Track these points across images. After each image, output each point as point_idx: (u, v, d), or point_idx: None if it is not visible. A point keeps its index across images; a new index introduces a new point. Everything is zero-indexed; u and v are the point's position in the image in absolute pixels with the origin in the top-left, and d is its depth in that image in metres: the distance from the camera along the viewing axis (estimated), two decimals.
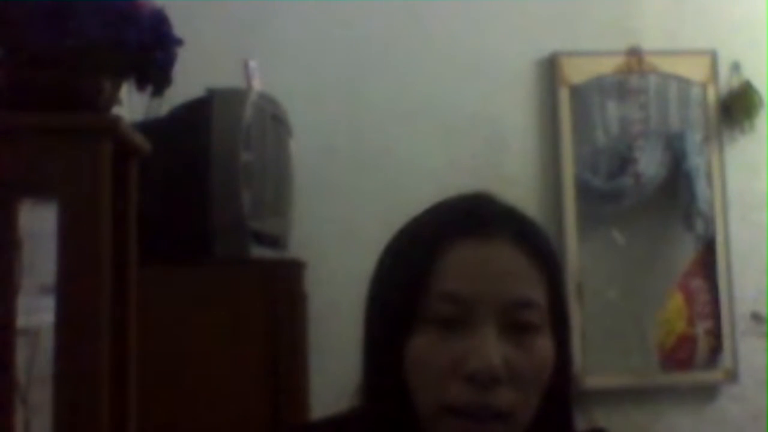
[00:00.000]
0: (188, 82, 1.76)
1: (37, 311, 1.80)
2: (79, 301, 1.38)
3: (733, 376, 3.35)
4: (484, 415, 0.91)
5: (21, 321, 1.70)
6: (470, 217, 0.98)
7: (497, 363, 0.91)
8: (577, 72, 3.37)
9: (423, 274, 0.94)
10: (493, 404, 0.91)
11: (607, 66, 3.39)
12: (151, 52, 1.44)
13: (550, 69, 3.38)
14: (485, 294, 0.93)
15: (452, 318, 0.93)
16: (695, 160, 3.36)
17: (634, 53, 3.40)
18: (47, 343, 1.47)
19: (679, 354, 3.34)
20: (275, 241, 2.37)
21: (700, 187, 3.34)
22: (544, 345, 0.95)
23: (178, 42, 1.49)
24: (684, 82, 3.43)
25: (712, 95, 3.44)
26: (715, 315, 3.36)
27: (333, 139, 3.25)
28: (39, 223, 1.73)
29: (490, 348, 0.91)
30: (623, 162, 3.35)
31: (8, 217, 1.65)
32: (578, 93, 3.37)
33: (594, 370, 3.18)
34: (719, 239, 3.38)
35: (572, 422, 1.01)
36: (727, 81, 3.45)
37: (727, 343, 3.35)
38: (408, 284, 0.95)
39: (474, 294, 0.93)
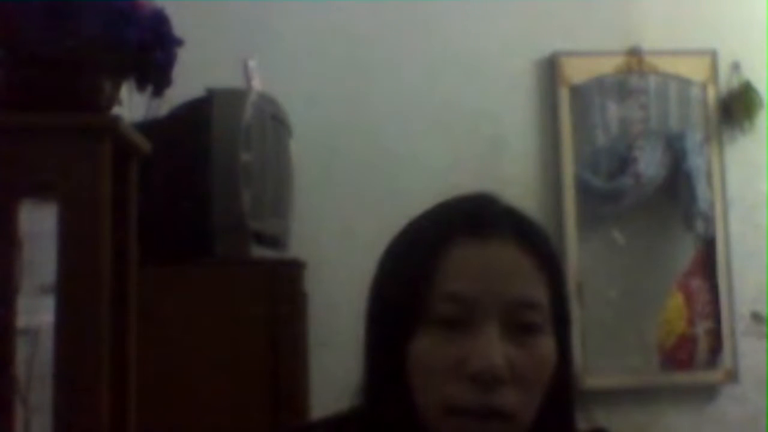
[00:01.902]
0: (188, 82, 1.76)
1: (37, 311, 1.80)
2: (79, 301, 1.38)
3: (733, 376, 3.35)
4: (486, 415, 0.91)
5: (21, 321, 1.70)
6: (472, 218, 0.98)
7: (500, 363, 0.91)
8: (577, 72, 3.37)
9: (425, 274, 0.94)
10: (495, 404, 0.91)
11: (607, 66, 3.39)
12: (151, 52, 1.44)
13: (550, 69, 3.38)
14: (487, 294, 0.93)
15: (455, 318, 0.93)
16: (695, 160, 3.35)
17: (634, 53, 3.40)
18: (47, 343, 1.47)
19: (679, 354, 3.33)
20: (275, 241, 2.37)
21: (700, 187, 3.34)
22: (546, 345, 0.95)
23: (178, 42, 1.49)
24: (684, 82, 3.43)
25: (712, 95, 3.44)
26: (715, 315, 3.36)
27: (333, 139, 3.25)
28: (39, 223, 1.73)
29: (493, 348, 0.91)
30: (623, 162, 3.35)
31: (8, 217, 1.65)
32: (578, 93, 3.37)
33: (594, 370, 3.18)
34: (719, 239, 3.38)
35: (573, 422, 1.01)
36: (727, 81, 3.45)
37: (727, 343, 3.35)
38: (410, 285, 0.95)
39: (476, 294, 0.93)
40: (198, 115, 2.14)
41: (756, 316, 3.36)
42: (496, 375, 0.91)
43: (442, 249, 0.95)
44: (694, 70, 3.43)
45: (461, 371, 0.92)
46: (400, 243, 1.02)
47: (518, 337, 0.93)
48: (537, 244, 0.98)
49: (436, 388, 0.93)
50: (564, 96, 3.36)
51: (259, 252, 2.18)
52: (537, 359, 0.94)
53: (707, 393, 3.37)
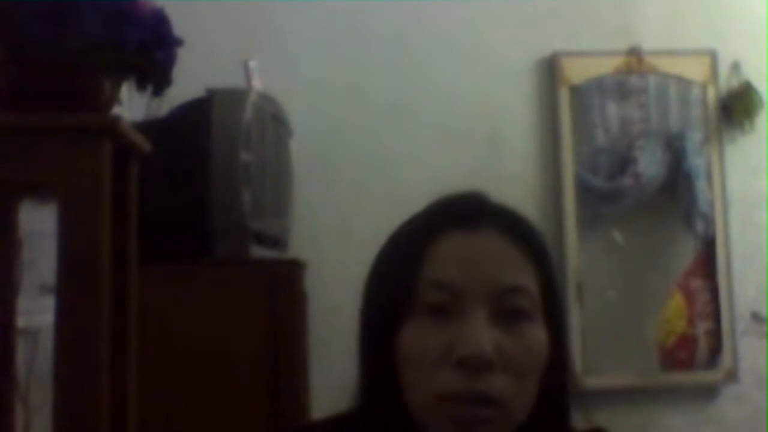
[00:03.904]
0: (188, 82, 1.76)
1: (37, 311, 1.81)
2: (79, 301, 1.38)
3: (733, 376, 3.35)
4: (476, 401, 0.91)
5: (21, 321, 1.70)
6: (459, 210, 1.00)
7: (488, 348, 0.91)
8: (577, 72, 3.37)
9: (413, 264, 0.95)
10: (485, 390, 0.91)
11: (607, 66, 3.39)
12: (151, 52, 1.44)
13: (550, 69, 3.38)
14: (474, 280, 0.94)
15: (442, 306, 0.94)
16: (695, 160, 3.36)
17: (634, 53, 3.40)
18: (47, 343, 1.47)
19: (679, 354, 3.34)
20: (275, 241, 2.37)
21: (700, 187, 3.34)
22: (535, 332, 0.95)
23: (178, 42, 1.49)
24: (684, 82, 3.43)
25: (712, 95, 3.44)
26: (715, 315, 3.36)
27: (333, 139, 3.25)
28: (39, 223, 1.73)
29: (481, 334, 0.92)
30: (623, 162, 3.35)
31: (8, 217, 1.65)
32: (578, 93, 3.37)
33: (594, 370, 3.18)
34: (719, 239, 3.38)
35: (569, 416, 1.01)
36: (727, 81, 3.45)
37: (727, 343, 3.35)
38: (398, 275, 0.96)
39: (463, 281, 0.94)
40: (198, 115, 2.14)
41: (756, 316, 3.36)
42: (485, 360, 0.91)
43: (430, 240, 0.96)
44: (694, 70, 3.43)
45: (450, 358, 0.92)
46: (392, 240, 1.03)
47: (507, 324, 0.94)
48: (525, 235, 0.99)
49: (426, 376, 0.93)
50: (564, 96, 3.36)
51: (259, 252, 2.18)
52: (526, 345, 0.94)
53: (707, 393, 3.37)
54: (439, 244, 0.96)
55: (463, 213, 0.99)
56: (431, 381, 0.93)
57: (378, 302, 0.99)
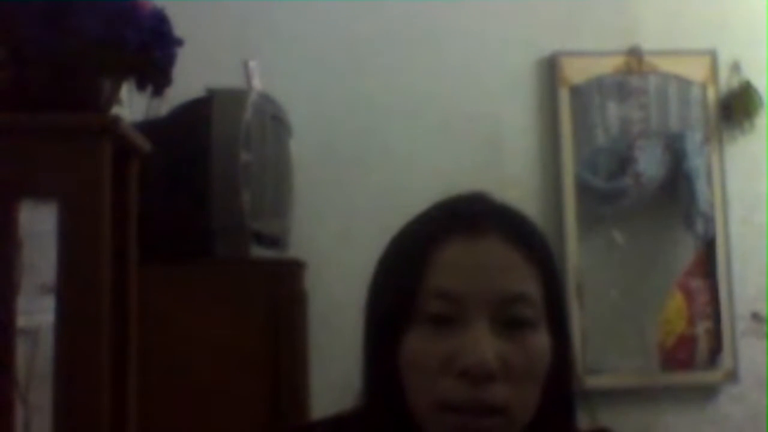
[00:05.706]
0: (188, 82, 1.77)
1: (37, 311, 1.80)
2: (79, 301, 1.38)
3: (733, 376, 3.35)
4: (478, 411, 0.91)
5: (21, 321, 1.70)
6: (462, 216, 0.98)
7: (490, 358, 0.91)
8: (577, 72, 3.37)
9: (416, 272, 0.95)
10: (487, 400, 0.91)
11: (607, 66, 3.39)
12: (151, 52, 1.44)
13: (550, 69, 3.38)
14: (477, 289, 0.94)
15: (445, 315, 0.93)
16: (695, 160, 3.35)
17: (634, 53, 3.40)
18: (47, 343, 1.47)
19: (679, 354, 3.33)
20: (275, 241, 2.37)
21: (700, 187, 3.34)
22: (538, 340, 0.95)
23: (178, 42, 1.49)
24: (684, 82, 3.43)
25: (712, 95, 3.44)
26: (715, 315, 3.36)
27: (333, 139, 3.25)
28: (39, 223, 1.73)
29: (483, 343, 0.91)
30: (623, 162, 3.35)
31: (8, 217, 1.65)
32: (578, 93, 3.37)
33: (594, 370, 3.18)
34: (719, 239, 3.37)
35: (574, 419, 1.01)
36: (727, 81, 3.45)
37: (727, 343, 3.35)
38: (401, 282, 0.96)
39: (466, 290, 0.93)
40: (198, 115, 2.14)
41: (756, 316, 3.36)
42: (487, 370, 0.91)
43: (433, 247, 0.95)
44: (694, 70, 3.43)
45: (452, 367, 0.92)
46: (394, 244, 1.02)
47: (510, 333, 0.93)
48: (529, 240, 0.98)
49: (428, 385, 0.93)
50: (564, 96, 3.36)
51: (259, 252, 2.18)
52: (529, 354, 0.94)
53: (707, 393, 3.37)
54: (442, 251, 0.95)
55: (466, 218, 0.98)
56: (434, 390, 0.93)
57: (381, 308, 0.99)
